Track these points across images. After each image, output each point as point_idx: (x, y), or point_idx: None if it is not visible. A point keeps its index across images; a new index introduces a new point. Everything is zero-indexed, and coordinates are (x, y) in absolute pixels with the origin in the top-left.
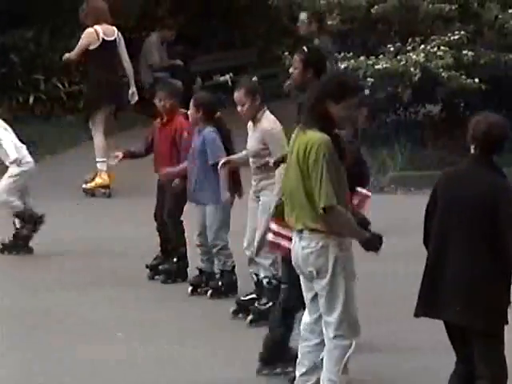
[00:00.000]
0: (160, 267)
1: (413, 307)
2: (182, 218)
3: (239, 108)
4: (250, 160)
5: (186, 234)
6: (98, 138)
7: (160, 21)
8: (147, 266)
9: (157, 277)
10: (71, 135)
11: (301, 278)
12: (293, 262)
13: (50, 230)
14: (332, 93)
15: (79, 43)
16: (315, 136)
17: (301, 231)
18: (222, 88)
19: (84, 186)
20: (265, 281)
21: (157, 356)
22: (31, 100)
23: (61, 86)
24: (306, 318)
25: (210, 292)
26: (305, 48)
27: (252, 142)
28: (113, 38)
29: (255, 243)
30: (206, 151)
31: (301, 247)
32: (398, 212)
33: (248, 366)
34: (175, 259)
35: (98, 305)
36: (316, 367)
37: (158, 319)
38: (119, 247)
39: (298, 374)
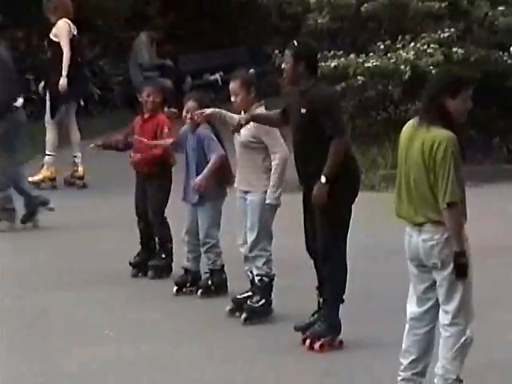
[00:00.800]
0: (149, 263)
1: (403, 303)
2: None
3: (233, 98)
4: (238, 151)
5: (172, 231)
6: (53, 133)
7: (149, 20)
8: (130, 264)
9: (140, 274)
10: (61, 136)
11: (413, 269)
12: (407, 257)
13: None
14: (447, 89)
15: (63, 38)
16: (442, 133)
17: (421, 224)
18: (212, 87)
19: (30, 178)
20: (257, 278)
21: (150, 356)
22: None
23: None
24: (414, 308)
25: (200, 291)
26: (295, 42)
27: (241, 134)
28: (76, 33)
29: (248, 243)
30: (202, 149)
31: (421, 240)
32: (390, 210)
33: (242, 364)
34: (163, 255)
35: (85, 304)
36: (424, 355)
37: (149, 318)
38: (96, 245)
39: (405, 362)
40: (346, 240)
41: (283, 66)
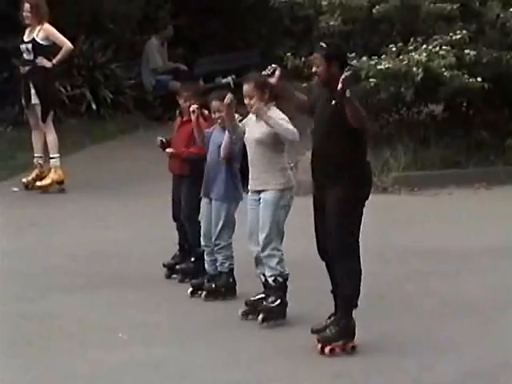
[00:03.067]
0: (177, 266)
1: (415, 305)
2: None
3: (246, 101)
4: (251, 151)
5: None
6: (52, 135)
7: (161, 24)
8: (164, 265)
9: (174, 276)
10: (74, 140)
11: None
12: None
13: (46, 233)
14: None
15: (58, 36)
16: None
17: None
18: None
19: (38, 183)
20: (271, 279)
21: (163, 359)
22: None
23: (63, 90)
24: None
25: (204, 293)
26: (323, 44)
27: (256, 131)
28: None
29: (260, 242)
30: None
31: None
32: (402, 212)
33: (252, 367)
34: (192, 259)
35: (98, 307)
36: None
37: (163, 321)
38: (108, 248)
39: None
40: (358, 242)
41: (314, 69)
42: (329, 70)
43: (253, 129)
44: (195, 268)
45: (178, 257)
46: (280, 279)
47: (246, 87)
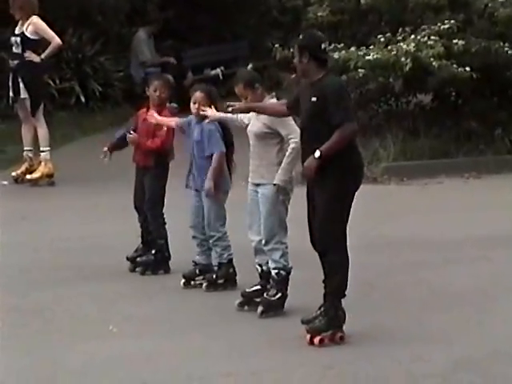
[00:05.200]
0: (138, 259)
1: (406, 296)
2: (163, 211)
3: (243, 102)
4: (251, 143)
5: (180, 226)
6: (43, 129)
7: (149, 16)
8: (128, 258)
9: (137, 269)
10: (63, 132)
11: None
12: None
13: (37, 227)
14: None
15: (48, 31)
16: None
17: None
18: (213, 82)
19: (28, 176)
20: (274, 272)
21: (150, 351)
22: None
23: (52, 83)
24: None
25: (205, 285)
26: (300, 35)
27: (255, 125)
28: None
29: (263, 236)
30: (204, 142)
31: None
32: (392, 202)
33: (244, 358)
34: (153, 251)
35: (89, 300)
36: None
37: (154, 313)
38: (98, 241)
39: None
40: (346, 233)
41: (294, 60)
42: (301, 61)
43: (253, 122)
44: (156, 260)
45: (142, 249)
46: (283, 272)
47: (236, 89)
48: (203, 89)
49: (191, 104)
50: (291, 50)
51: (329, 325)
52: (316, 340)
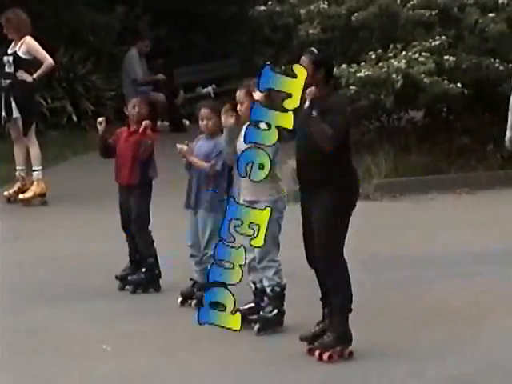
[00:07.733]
0: (129, 278)
1: (400, 312)
2: (150, 229)
3: (238, 107)
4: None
5: (172, 244)
6: (35, 148)
7: (140, 34)
8: (117, 277)
9: (127, 287)
10: (55, 152)
11: None
12: None
13: (30, 247)
14: None
15: (40, 51)
16: None
17: None
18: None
19: (21, 196)
20: (268, 289)
21: (146, 369)
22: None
23: (44, 102)
24: None
25: (193, 302)
26: (313, 49)
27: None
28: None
29: (257, 255)
30: (212, 153)
31: None
32: (385, 218)
33: (240, 376)
34: (143, 269)
35: (83, 319)
36: None
37: (148, 332)
38: (92, 259)
39: None
40: (343, 251)
41: None
42: (314, 76)
43: (242, 139)
44: (146, 279)
45: (130, 268)
46: (277, 289)
47: (238, 93)
48: (205, 104)
49: (199, 122)
50: (282, 67)
51: (338, 341)
52: (325, 356)
